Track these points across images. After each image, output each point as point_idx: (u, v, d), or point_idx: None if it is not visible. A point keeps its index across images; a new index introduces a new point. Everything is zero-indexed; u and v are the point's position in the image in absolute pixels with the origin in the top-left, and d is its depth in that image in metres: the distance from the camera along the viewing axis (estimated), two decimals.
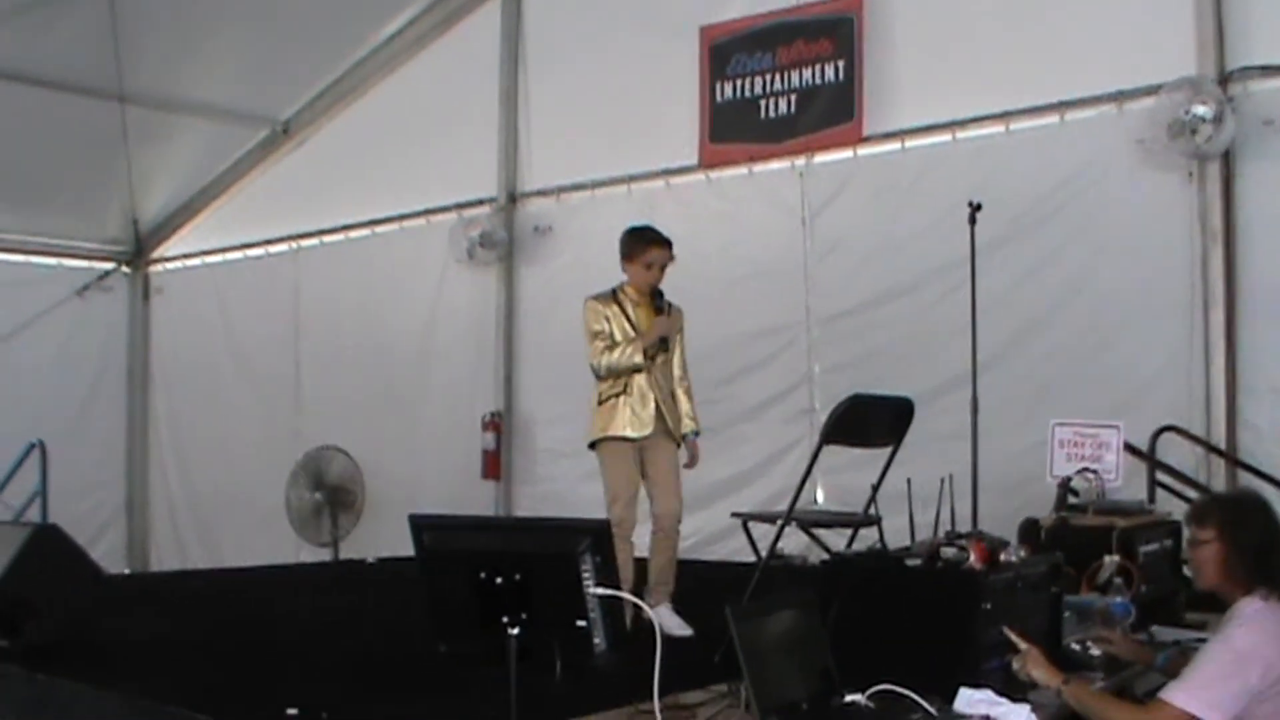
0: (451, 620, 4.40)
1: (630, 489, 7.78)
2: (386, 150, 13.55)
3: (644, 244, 7.99)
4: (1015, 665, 4.84)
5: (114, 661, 6.83)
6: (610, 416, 7.81)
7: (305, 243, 14.47)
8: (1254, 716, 4.45)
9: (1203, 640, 5.62)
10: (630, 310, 7.97)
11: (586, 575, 4.08)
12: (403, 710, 5.67)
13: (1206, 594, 5.13)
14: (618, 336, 7.88)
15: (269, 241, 14.83)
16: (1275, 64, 9.07)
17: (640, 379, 7.85)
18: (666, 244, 7.99)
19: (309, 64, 13.89)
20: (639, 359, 7.76)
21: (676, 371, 8.08)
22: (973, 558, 4.77)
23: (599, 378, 7.92)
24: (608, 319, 7.91)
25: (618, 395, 7.87)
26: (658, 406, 7.86)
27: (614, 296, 8.02)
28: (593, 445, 7.99)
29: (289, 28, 12.90)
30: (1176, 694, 4.45)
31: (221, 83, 13.73)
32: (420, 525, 4.39)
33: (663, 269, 7.98)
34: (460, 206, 13.07)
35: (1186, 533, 5.00)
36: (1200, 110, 8.96)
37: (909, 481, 5.79)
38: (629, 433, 7.74)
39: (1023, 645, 4.86)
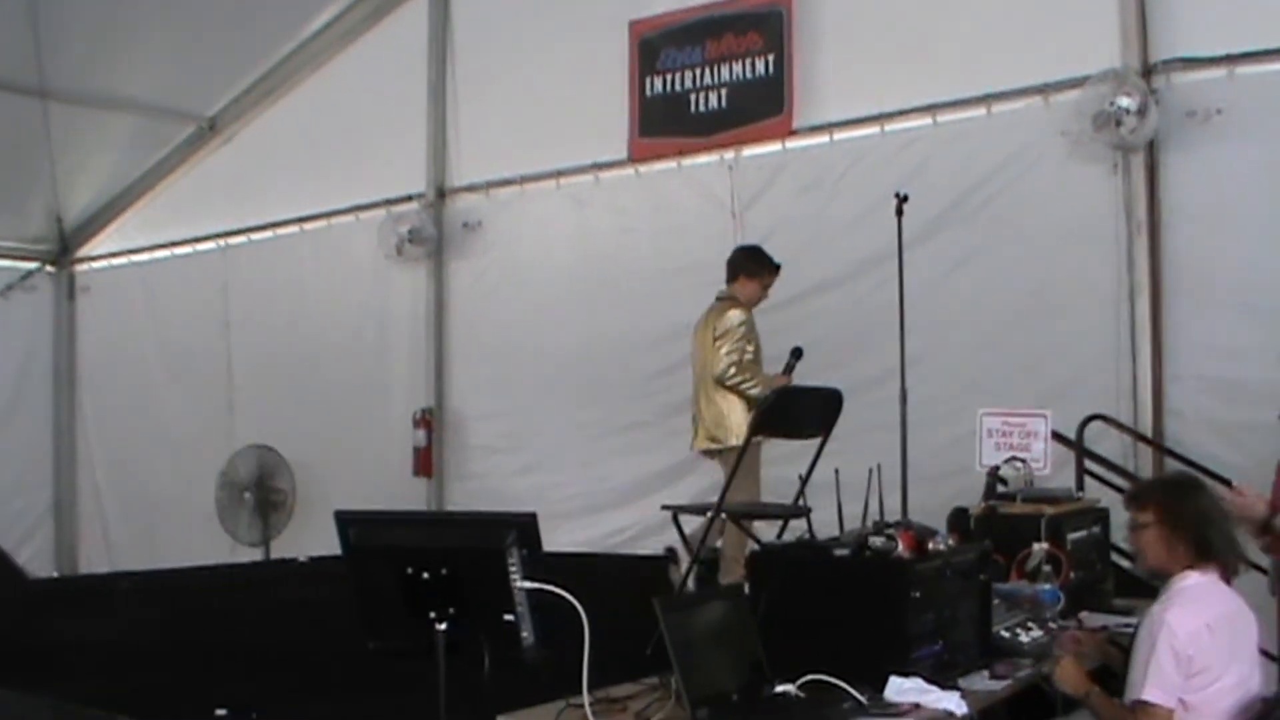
0: (379, 616, 4.37)
1: None
2: (314, 146, 13.44)
3: (771, 269, 8.81)
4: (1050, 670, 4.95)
5: (41, 666, 6.75)
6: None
7: (233, 240, 14.32)
8: (1191, 691, 4.52)
9: (1129, 625, 5.69)
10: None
11: (513, 569, 4.06)
12: (332, 708, 5.64)
13: (1134, 579, 5.19)
14: (751, 349, 8.56)
15: (196, 239, 14.66)
16: (1198, 56, 9.15)
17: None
18: (779, 269, 8.83)
19: (235, 59, 13.71)
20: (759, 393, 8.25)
21: None
22: (901, 547, 4.78)
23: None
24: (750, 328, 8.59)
25: None
26: None
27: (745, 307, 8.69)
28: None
29: (215, 22, 12.75)
30: (1150, 693, 4.53)
31: (146, 78, 13.56)
32: (346, 521, 4.35)
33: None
34: (389, 203, 13.01)
35: (1127, 517, 5.04)
36: (1124, 102, 9.04)
37: (837, 472, 5.82)
38: None
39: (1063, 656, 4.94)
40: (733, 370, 8.43)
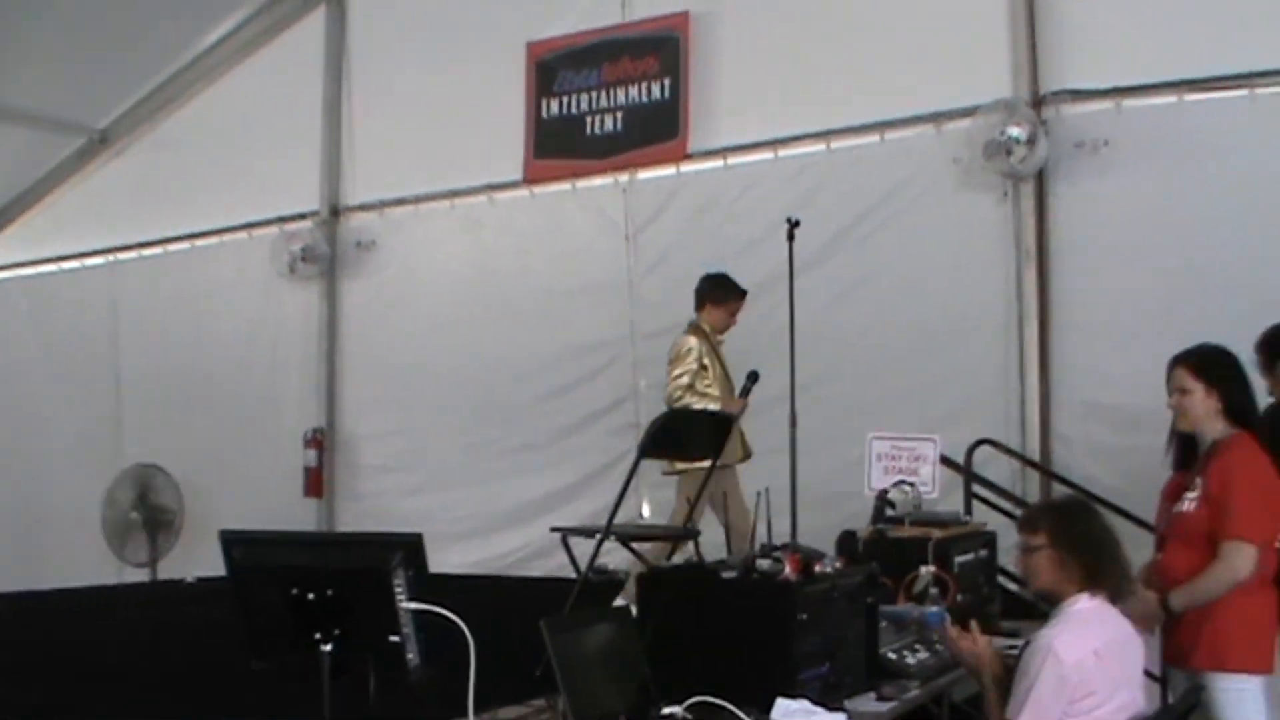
0: (264, 637, 4.32)
1: None
2: (207, 161, 13.28)
3: (736, 295, 8.86)
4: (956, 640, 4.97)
5: None
6: None
7: (123, 256, 14.13)
8: (1075, 714, 4.56)
9: (1014, 647, 5.75)
10: (718, 349, 8.80)
11: (399, 590, 4.03)
12: None
13: (1020, 602, 5.24)
14: (710, 375, 8.63)
15: (84, 254, 14.44)
16: (1086, 88, 9.35)
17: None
18: (745, 294, 8.87)
19: (128, 71, 13.53)
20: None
21: None
22: (787, 569, 4.80)
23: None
24: (701, 355, 8.64)
25: None
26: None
27: (704, 333, 8.80)
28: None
29: (107, 33, 12.55)
30: (1022, 717, 4.53)
31: (35, 88, 13.29)
32: (230, 541, 4.31)
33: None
34: (282, 220, 12.93)
35: (1014, 541, 5.08)
36: (1015, 132, 9.21)
37: (724, 495, 5.83)
38: None
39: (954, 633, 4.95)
40: (678, 393, 8.52)
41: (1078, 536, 4.81)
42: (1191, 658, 5.30)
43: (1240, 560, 5.15)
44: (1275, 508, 5.25)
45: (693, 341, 8.71)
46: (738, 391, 8.55)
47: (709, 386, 8.63)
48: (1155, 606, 5.30)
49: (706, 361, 8.67)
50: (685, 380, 8.55)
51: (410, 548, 4.11)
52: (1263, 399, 6.32)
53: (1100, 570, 4.76)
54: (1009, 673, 4.87)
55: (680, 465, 8.44)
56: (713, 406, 8.46)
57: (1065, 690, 4.52)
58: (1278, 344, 6.84)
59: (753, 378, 8.33)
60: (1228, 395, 5.37)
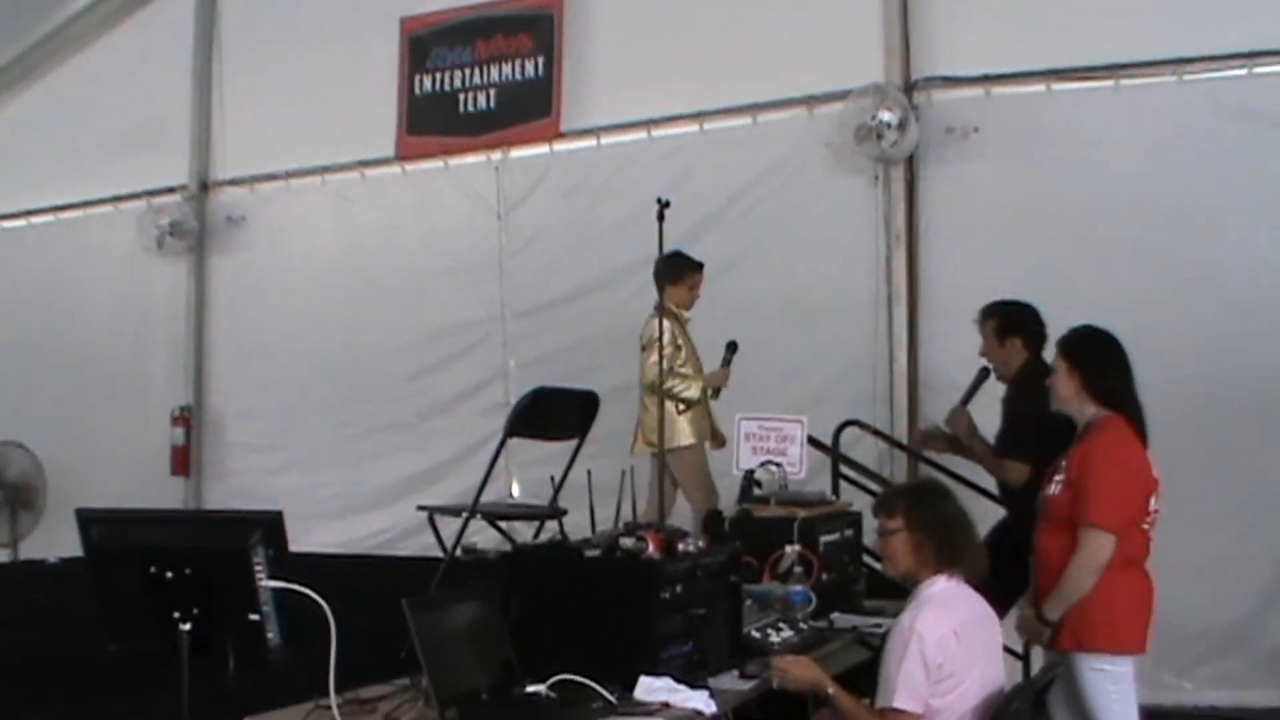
0: (122, 617, 4.26)
1: None
2: (73, 133, 13.01)
3: (692, 269, 8.81)
4: (775, 682, 4.91)
5: None
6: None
7: None
8: (938, 695, 4.62)
9: (879, 625, 5.82)
10: (685, 328, 8.83)
11: (259, 568, 3.99)
12: (70, 711, 5.50)
13: (885, 581, 5.29)
14: (682, 355, 8.67)
15: None
16: (957, 75, 9.45)
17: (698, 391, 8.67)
18: (702, 266, 8.85)
19: None
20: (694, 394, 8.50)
21: None
22: (651, 548, 4.81)
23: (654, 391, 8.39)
24: (674, 338, 8.60)
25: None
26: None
27: (674, 314, 8.73)
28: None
29: None
30: (903, 700, 4.61)
31: None
32: (87, 519, 4.24)
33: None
34: (150, 194, 12.74)
35: (876, 524, 5.14)
36: (886, 116, 9.28)
37: (589, 474, 5.84)
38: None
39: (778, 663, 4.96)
40: (656, 378, 8.39)
41: (932, 519, 4.89)
42: (1057, 640, 5.40)
43: (1097, 547, 5.25)
44: (1133, 493, 5.36)
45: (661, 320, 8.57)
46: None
47: (683, 366, 8.67)
48: (1036, 624, 5.41)
49: (680, 342, 8.70)
50: (666, 365, 8.48)
51: (270, 526, 4.06)
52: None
53: (955, 551, 4.85)
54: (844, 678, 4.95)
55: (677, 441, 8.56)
56: (694, 386, 8.54)
57: (930, 669, 4.59)
58: (1010, 321, 7.22)
59: (731, 348, 8.38)
60: (1087, 376, 5.48)
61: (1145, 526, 5.43)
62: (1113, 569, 5.31)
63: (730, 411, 8.32)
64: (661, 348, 8.05)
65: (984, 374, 7.35)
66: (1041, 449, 6.50)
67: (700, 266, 8.86)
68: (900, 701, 4.59)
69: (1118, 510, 5.29)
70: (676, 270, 8.75)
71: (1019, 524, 6.48)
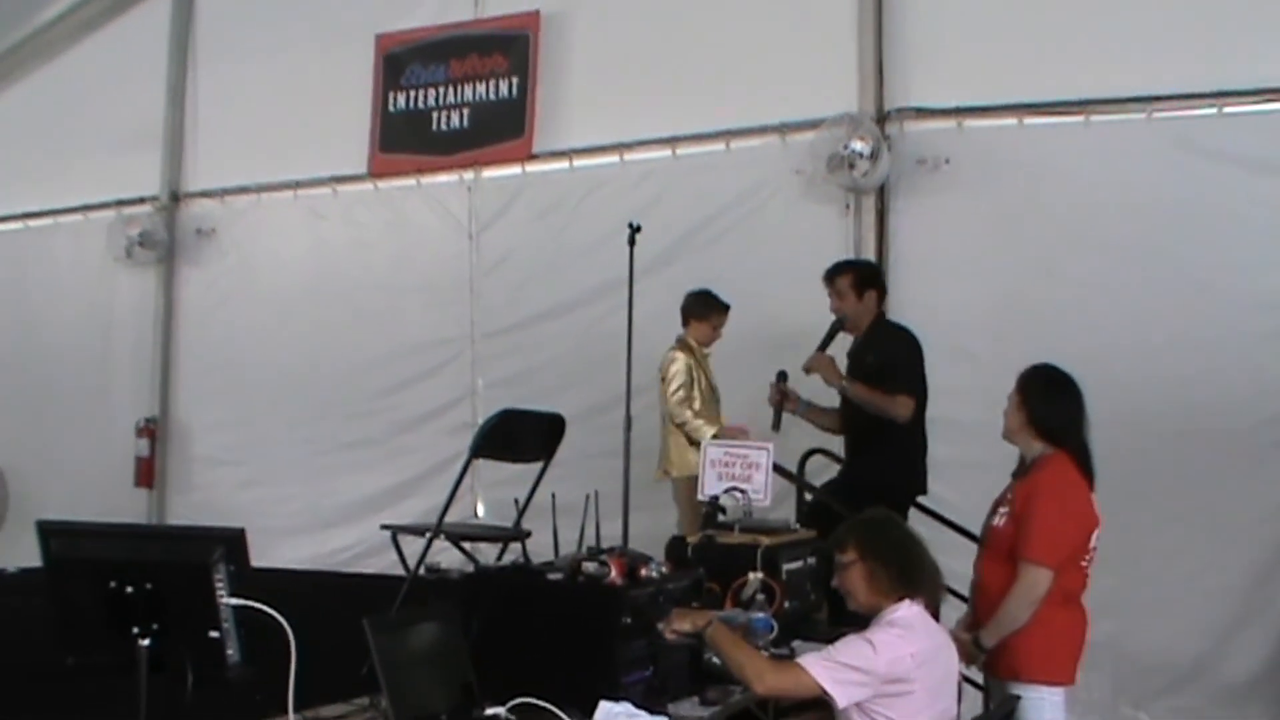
0: (80, 631, 4.25)
1: None
2: (43, 140, 12.98)
3: (718, 310, 9.03)
4: (661, 627, 4.91)
5: None
6: None
7: None
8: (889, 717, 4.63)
9: None
10: (704, 363, 9.01)
11: (220, 585, 3.98)
12: None
13: (847, 610, 5.31)
14: (695, 391, 8.82)
15: None
16: (929, 106, 9.48)
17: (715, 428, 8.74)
18: (728, 309, 9.05)
19: None
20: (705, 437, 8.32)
21: None
22: (613, 573, 4.82)
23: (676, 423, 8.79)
24: (690, 371, 8.84)
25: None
26: None
27: (690, 349, 8.96)
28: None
29: None
30: (813, 664, 4.60)
31: None
32: (47, 531, 4.22)
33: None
34: (121, 204, 12.69)
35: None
36: (858, 146, 9.31)
37: (554, 496, 5.83)
38: None
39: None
40: (687, 415, 8.73)
41: (885, 547, 4.91)
42: (997, 667, 5.53)
43: (1034, 581, 5.38)
44: (1075, 530, 5.48)
45: (680, 358, 8.86)
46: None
47: (697, 404, 8.82)
48: (972, 648, 5.48)
49: (696, 376, 8.84)
50: (682, 394, 8.75)
51: (232, 542, 4.06)
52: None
53: (910, 576, 4.87)
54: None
55: (674, 473, 8.72)
56: (708, 430, 8.61)
57: (871, 679, 4.58)
58: (867, 274, 8.13)
59: (782, 377, 8.34)
60: (1034, 412, 5.57)
61: (1084, 564, 5.57)
62: (1051, 603, 5.43)
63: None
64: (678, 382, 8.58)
65: (838, 325, 8.04)
66: (921, 384, 7.69)
67: (726, 309, 9.04)
68: (819, 673, 4.58)
69: (1057, 547, 5.42)
70: (704, 308, 8.99)
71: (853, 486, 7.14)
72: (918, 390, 7.84)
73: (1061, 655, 5.50)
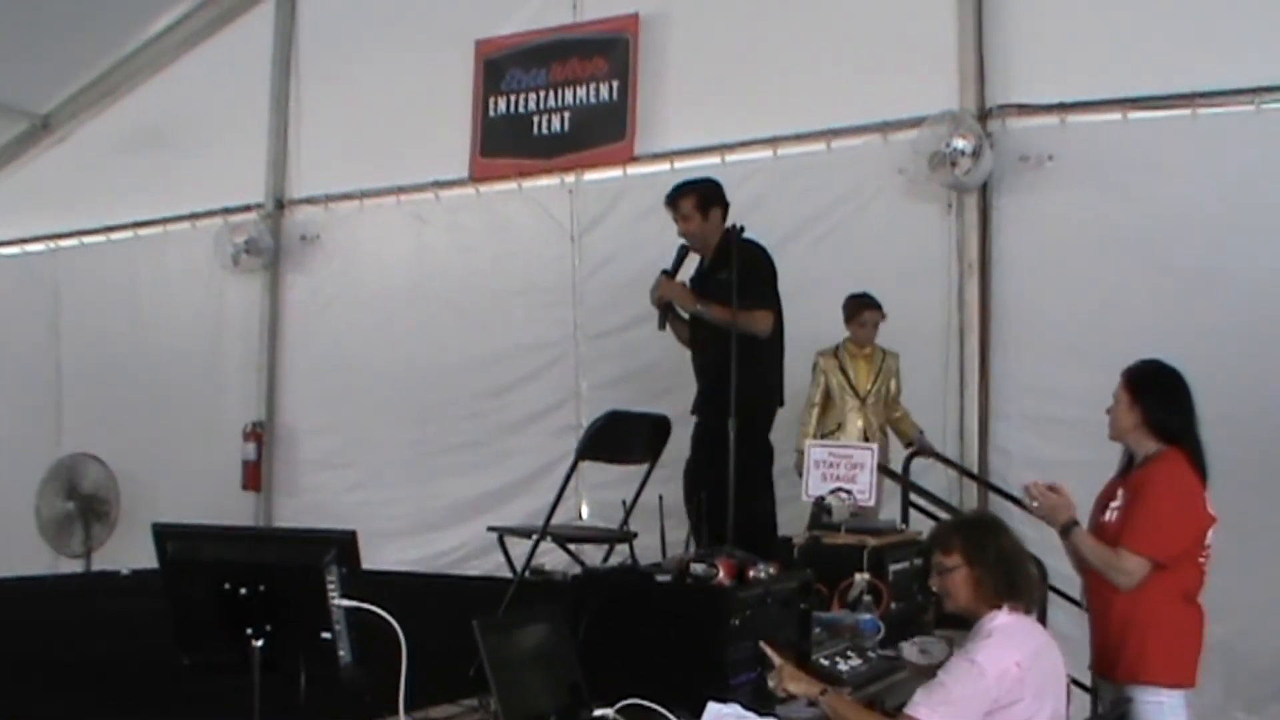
0: (195, 631, 4.29)
1: None
2: (152, 150, 13.18)
3: (857, 307, 9.06)
4: (771, 682, 4.90)
5: None
6: None
7: (65, 243, 14.02)
8: None
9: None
10: (848, 363, 9.11)
11: (332, 586, 4.02)
12: None
13: (948, 612, 5.29)
14: (833, 387, 9.10)
15: (25, 240, 14.32)
16: (1031, 103, 9.42)
17: (854, 422, 9.06)
18: (877, 307, 9.05)
19: (73, 56, 13.32)
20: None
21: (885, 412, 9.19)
22: (721, 574, 4.82)
23: None
24: (825, 373, 9.14)
25: (831, 434, 8.99)
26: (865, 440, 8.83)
27: (834, 352, 9.19)
28: None
29: (52, 17, 12.38)
30: (919, 708, 4.57)
31: None
32: (163, 534, 4.28)
33: (875, 326, 9.07)
34: (227, 211, 12.88)
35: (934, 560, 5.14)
36: (960, 144, 9.26)
37: (660, 498, 5.84)
38: None
39: (776, 660, 4.94)
40: (807, 419, 9.09)
41: (990, 553, 4.87)
42: (1115, 670, 5.41)
43: (1124, 566, 5.27)
44: (1186, 527, 5.36)
45: (818, 362, 9.16)
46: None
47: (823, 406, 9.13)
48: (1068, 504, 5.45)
49: (833, 380, 9.10)
50: (807, 400, 9.11)
51: (344, 544, 4.09)
52: None
53: (1015, 584, 4.83)
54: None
55: None
56: (851, 423, 8.99)
57: (983, 700, 4.56)
58: (711, 193, 8.17)
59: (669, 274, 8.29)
60: (1149, 410, 5.47)
61: (1201, 561, 5.44)
62: (1171, 603, 5.35)
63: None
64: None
65: (685, 249, 8.12)
66: (777, 300, 7.81)
67: (867, 305, 9.07)
68: (921, 713, 4.55)
69: (1158, 541, 5.31)
70: (850, 308, 9.10)
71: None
72: (775, 304, 7.89)
73: (1184, 657, 5.39)
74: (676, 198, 8.14)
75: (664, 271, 8.10)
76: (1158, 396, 5.50)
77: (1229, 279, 8.70)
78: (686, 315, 8.12)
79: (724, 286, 7.64)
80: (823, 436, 8.86)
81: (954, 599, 4.94)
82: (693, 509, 6.75)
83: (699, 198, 8.10)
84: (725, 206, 8.17)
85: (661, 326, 8.13)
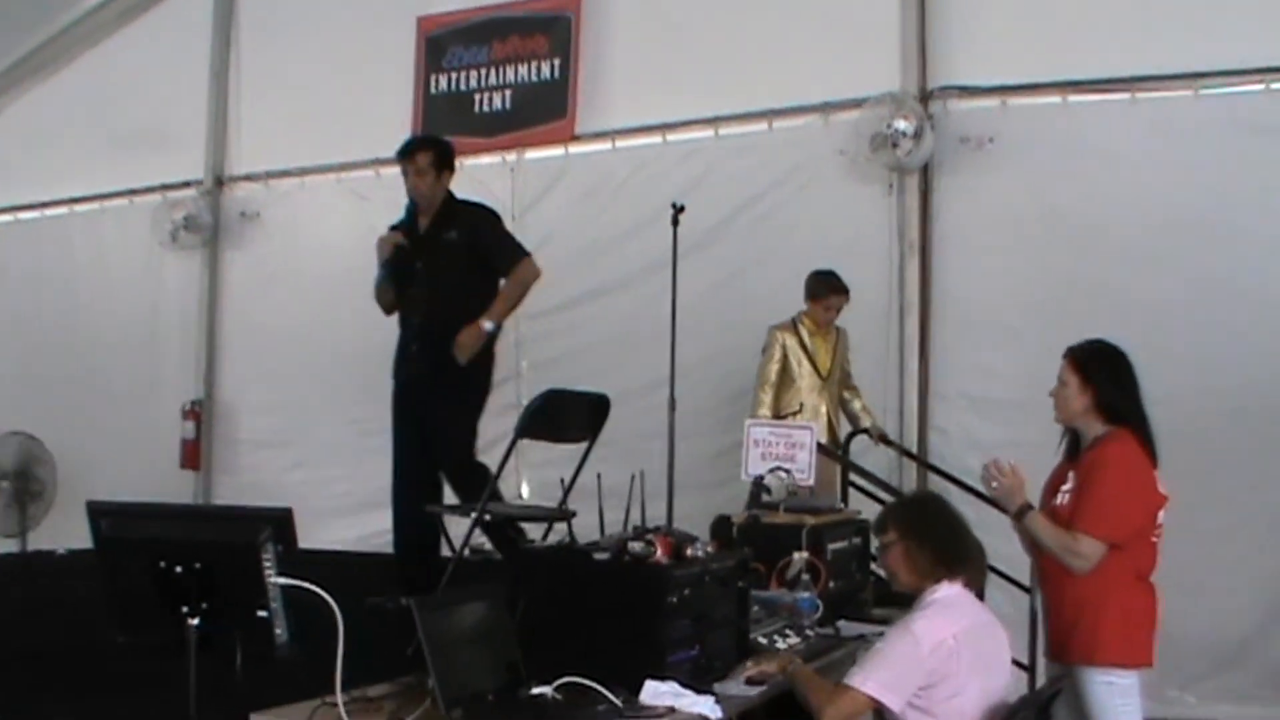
0: (130, 610, 4.27)
1: None
2: (89, 126, 13.05)
3: (828, 290, 9.14)
4: (743, 676, 4.93)
5: None
6: None
7: None
8: (935, 701, 4.62)
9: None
10: (808, 341, 9.19)
11: (268, 564, 3.99)
12: (74, 705, 5.50)
13: (892, 590, 5.31)
14: (791, 364, 9.17)
15: None
16: (973, 85, 9.48)
17: (817, 404, 9.18)
18: (846, 291, 9.16)
19: (6, 30, 13.13)
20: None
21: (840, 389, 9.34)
22: (659, 552, 4.81)
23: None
24: (785, 349, 9.21)
25: (794, 414, 9.05)
26: (829, 421, 9.14)
27: (793, 326, 9.26)
28: None
29: None
30: (855, 677, 4.62)
31: None
32: (97, 512, 4.25)
33: (839, 310, 9.17)
34: (166, 188, 12.76)
35: (875, 540, 5.17)
36: (901, 125, 9.30)
37: (599, 477, 5.83)
38: None
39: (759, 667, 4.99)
40: (761, 394, 9.18)
41: (927, 527, 4.92)
42: (1068, 653, 5.41)
43: (1080, 550, 5.28)
44: (1139, 507, 5.36)
45: (772, 336, 9.19)
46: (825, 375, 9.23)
47: (780, 382, 9.19)
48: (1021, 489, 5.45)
49: (794, 357, 9.16)
50: (760, 373, 9.20)
51: (279, 522, 4.06)
52: None
53: (954, 557, 4.87)
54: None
55: None
56: (815, 404, 9.12)
57: (918, 671, 4.58)
58: (448, 153, 8.16)
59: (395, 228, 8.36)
60: (1101, 392, 5.46)
61: (1154, 540, 5.44)
62: (1125, 584, 5.34)
63: (740, 417, 8.39)
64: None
65: (414, 204, 8.13)
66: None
67: (835, 290, 9.16)
68: (868, 686, 4.59)
69: (1111, 521, 5.30)
70: (817, 288, 9.17)
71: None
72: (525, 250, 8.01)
73: (1138, 636, 5.37)
74: (415, 151, 8.10)
75: (398, 248, 8.12)
76: (1108, 378, 5.48)
77: (1167, 260, 8.79)
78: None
79: (452, 246, 7.87)
80: (781, 417, 8.87)
81: (896, 576, 4.98)
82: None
83: (436, 155, 8.09)
84: (452, 172, 8.18)
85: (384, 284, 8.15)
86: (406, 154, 8.10)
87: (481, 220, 8.04)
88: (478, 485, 7.31)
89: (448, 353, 7.68)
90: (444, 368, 7.71)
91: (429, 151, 8.09)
